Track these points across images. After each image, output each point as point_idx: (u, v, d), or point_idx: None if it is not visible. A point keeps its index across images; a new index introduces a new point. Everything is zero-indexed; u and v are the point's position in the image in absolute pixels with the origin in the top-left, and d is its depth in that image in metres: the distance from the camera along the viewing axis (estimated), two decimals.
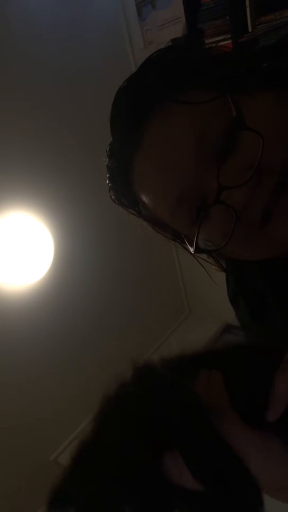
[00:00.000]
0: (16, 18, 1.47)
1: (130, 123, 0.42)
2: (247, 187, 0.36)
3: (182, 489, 0.32)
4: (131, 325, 2.18)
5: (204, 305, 2.47)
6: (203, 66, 0.42)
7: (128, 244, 1.94)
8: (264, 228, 0.39)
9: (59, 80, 1.65)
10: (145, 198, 0.45)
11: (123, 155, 0.44)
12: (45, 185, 1.62)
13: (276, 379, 0.31)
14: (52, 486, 0.35)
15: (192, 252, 0.45)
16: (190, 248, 0.45)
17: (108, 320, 1.98)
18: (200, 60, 0.44)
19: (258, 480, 0.32)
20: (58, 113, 1.65)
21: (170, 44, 0.44)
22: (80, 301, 1.83)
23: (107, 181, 0.49)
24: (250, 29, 1.49)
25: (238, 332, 1.71)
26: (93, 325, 1.94)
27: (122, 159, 0.44)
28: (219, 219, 0.39)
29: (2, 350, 1.57)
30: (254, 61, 0.42)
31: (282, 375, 0.31)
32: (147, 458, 0.32)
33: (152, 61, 0.43)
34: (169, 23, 1.74)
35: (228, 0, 1.50)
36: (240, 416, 0.32)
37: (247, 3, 1.45)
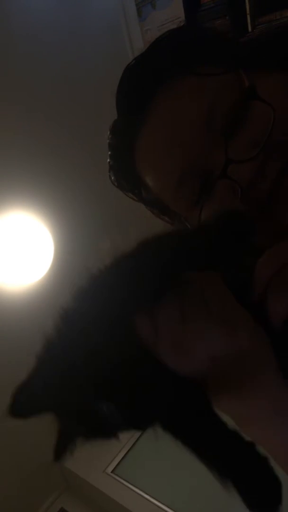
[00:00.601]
0: (16, 18, 1.47)
1: (138, 98, 0.41)
2: (255, 162, 0.35)
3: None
4: None
5: None
6: (215, 44, 0.42)
7: (128, 243, 1.94)
8: (267, 207, 0.38)
9: (59, 80, 1.65)
10: (148, 176, 0.44)
11: (128, 130, 0.43)
12: (45, 185, 1.61)
13: (258, 266, 0.32)
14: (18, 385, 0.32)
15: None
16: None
17: None
18: (212, 37, 0.44)
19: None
20: (58, 113, 1.65)
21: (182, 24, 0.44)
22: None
23: (108, 160, 0.48)
24: (250, 29, 1.49)
25: None
26: None
27: (127, 135, 0.43)
28: (223, 195, 0.38)
29: (2, 350, 1.57)
30: (268, 42, 0.42)
31: (264, 262, 0.32)
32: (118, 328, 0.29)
33: (162, 39, 0.42)
34: (169, 23, 1.74)
35: (228, 0, 1.50)
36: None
37: (247, 3, 1.45)
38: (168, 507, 1.54)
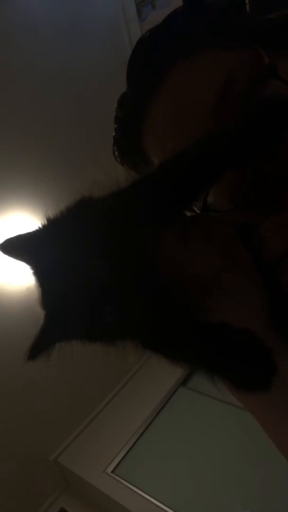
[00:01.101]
0: (16, 19, 1.47)
1: (151, 70, 0.39)
2: None
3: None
4: None
5: None
6: (235, 17, 0.40)
7: None
8: (275, 195, 0.37)
9: (59, 80, 1.65)
10: (154, 153, 0.42)
11: (137, 104, 0.41)
12: (45, 185, 1.61)
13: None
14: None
15: (198, 211, 0.43)
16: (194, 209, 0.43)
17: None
18: (231, 11, 0.41)
19: None
20: (58, 113, 1.65)
21: None
22: None
23: (113, 134, 0.46)
24: None
25: None
26: None
27: (136, 109, 0.41)
28: (231, 180, 0.36)
29: (1, 350, 1.57)
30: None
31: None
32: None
33: (179, 11, 0.40)
34: None
35: (228, 1, 1.50)
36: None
37: (247, 3, 1.45)
38: (168, 507, 1.54)
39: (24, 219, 1.53)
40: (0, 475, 1.66)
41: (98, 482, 1.71)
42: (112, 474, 1.73)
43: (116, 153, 0.47)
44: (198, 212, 0.42)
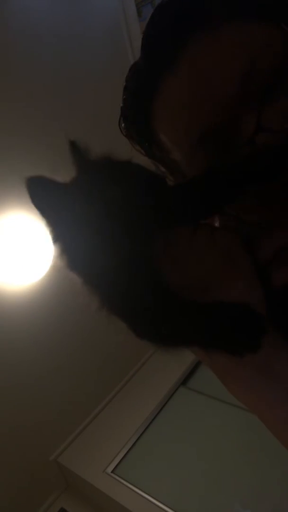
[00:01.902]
0: (16, 19, 1.47)
1: (170, 38, 0.35)
2: (284, 135, 0.32)
3: None
4: None
5: None
6: None
7: None
8: (285, 187, 0.35)
9: (59, 80, 1.65)
10: (164, 129, 0.39)
11: (151, 73, 0.38)
12: None
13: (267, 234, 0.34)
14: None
15: None
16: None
17: (108, 319, 1.98)
18: None
19: None
20: (58, 113, 1.65)
21: None
22: (80, 301, 1.83)
23: (120, 105, 0.43)
24: None
25: None
26: (93, 325, 1.94)
27: (149, 78, 0.38)
28: None
29: (2, 350, 1.57)
30: None
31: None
32: None
33: None
34: None
35: None
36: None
37: None
38: (168, 507, 1.54)
39: (24, 219, 1.53)
40: (0, 475, 1.66)
41: (98, 482, 1.71)
42: (112, 474, 1.73)
43: (123, 125, 0.44)
44: None
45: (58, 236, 0.35)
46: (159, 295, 0.31)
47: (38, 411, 1.76)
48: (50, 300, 1.70)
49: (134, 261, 0.31)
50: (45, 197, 0.35)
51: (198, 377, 2.13)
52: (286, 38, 0.33)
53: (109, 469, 1.75)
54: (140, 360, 2.31)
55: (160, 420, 1.94)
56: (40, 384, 1.75)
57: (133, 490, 1.64)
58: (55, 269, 1.67)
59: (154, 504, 1.57)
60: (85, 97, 1.75)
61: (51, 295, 1.70)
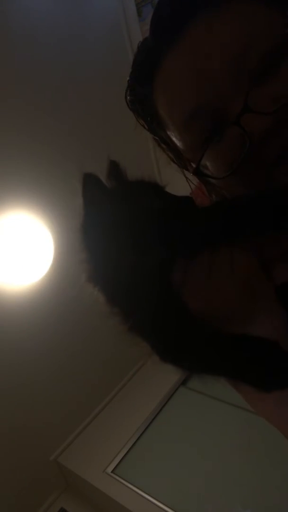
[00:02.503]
0: (16, 19, 1.47)
1: (175, 17, 0.38)
2: (272, 118, 0.33)
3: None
4: None
5: None
6: None
7: None
8: (272, 171, 0.36)
9: (59, 80, 1.65)
10: (162, 103, 0.41)
11: (156, 49, 0.40)
12: (45, 185, 1.61)
13: None
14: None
15: (192, 173, 0.42)
16: (190, 170, 0.43)
17: (108, 320, 1.98)
18: None
19: None
20: (58, 113, 1.65)
21: None
22: (80, 301, 1.83)
23: (127, 79, 0.45)
24: None
25: None
26: (93, 325, 1.93)
27: (154, 53, 0.40)
28: (231, 144, 0.36)
29: (2, 350, 1.57)
30: None
31: None
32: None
33: None
34: None
35: None
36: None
37: None
38: (168, 507, 1.54)
39: (24, 219, 1.53)
40: (0, 475, 1.66)
41: (98, 482, 1.71)
42: (112, 474, 1.73)
43: (128, 98, 0.46)
44: (193, 174, 0.43)
45: (89, 244, 0.35)
46: (182, 323, 0.32)
47: (38, 411, 1.76)
48: (50, 300, 1.70)
49: (157, 287, 0.32)
50: (95, 196, 0.36)
51: (198, 377, 2.12)
52: (285, 23, 0.33)
53: (109, 469, 1.75)
54: (140, 360, 2.31)
55: (160, 420, 1.94)
56: (40, 384, 1.75)
57: (133, 490, 1.64)
58: (55, 269, 1.67)
59: (154, 504, 1.56)
60: (85, 97, 1.75)
61: (51, 295, 1.70)
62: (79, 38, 1.71)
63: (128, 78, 0.45)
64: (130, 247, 0.32)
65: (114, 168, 0.37)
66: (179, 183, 0.48)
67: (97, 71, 1.78)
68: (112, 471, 1.74)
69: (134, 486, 1.65)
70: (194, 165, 0.42)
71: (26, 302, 1.61)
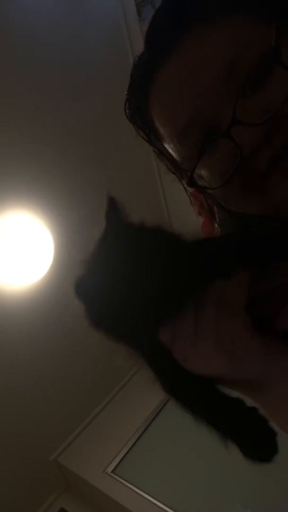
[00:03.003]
0: (16, 19, 1.47)
1: (168, 31, 0.39)
2: (261, 129, 0.34)
3: None
4: None
5: None
6: None
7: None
8: (264, 181, 0.37)
9: (59, 80, 1.65)
10: (157, 117, 0.42)
11: (150, 63, 0.41)
12: (45, 185, 1.62)
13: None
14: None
15: (185, 185, 0.44)
16: (185, 182, 0.44)
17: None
18: None
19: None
20: (58, 113, 1.65)
21: None
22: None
23: (125, 93, 0.46)
24: None
25: None
26: None
27: (148, 68, 0.41)
28: (223, 155, 0.37)
29: (1, 350, 1.57)
30: None
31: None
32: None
33: None
34: None
35: None
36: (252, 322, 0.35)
37: None
38: (168, 507, 1.54)
39: (24, 219, 1.53)
40: (0, 475, 1.66)
41: (98, 482, 1.71)
42: (112, 474, 1.73)
43: (127, 111, 0.47)
44: (187, 185, 0.44)
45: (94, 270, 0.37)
46: (176, 370, 0.34)
47: (38, 411, 1.76)
48: (50, 300, 1.70)
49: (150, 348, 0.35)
50: (114, 224, 0.38)
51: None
52: (275, 35, 0.34)
53: (109, 469, 1.75)
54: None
55: (160, 420, 1.94)
56: (40, 384, 1.75)
57: (133, 490, 1.64)
58: (55, 269, 1.67)
59: (154, 504, 1.57)
60: (85, 96, 1.75)
61: (51, 295, 1.70)
62: (79, 38, 1.71)
63: (126, 92, 0.46)
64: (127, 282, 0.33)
65: (114, 207, 0.39)
66: (180, 187, 0.49)
67: (97, 71, 1.78)
68: (112, 471, 1.74)
69: (134, 486, 1.65)
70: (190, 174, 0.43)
71: (26, 302, 1.61)
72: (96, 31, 1.78)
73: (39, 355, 1.71)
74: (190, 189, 0.47)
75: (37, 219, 1.57)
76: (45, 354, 1.73)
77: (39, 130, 1.58)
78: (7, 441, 1.67)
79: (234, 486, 1.55)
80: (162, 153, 0.48)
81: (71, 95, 1.69)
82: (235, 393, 0.36)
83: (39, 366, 1.72)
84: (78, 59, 1.71)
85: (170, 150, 0.44)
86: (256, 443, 0.32)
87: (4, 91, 1.45)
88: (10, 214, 1.49)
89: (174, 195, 2.10)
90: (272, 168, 0.35)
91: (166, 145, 0.44)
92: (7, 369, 1.61)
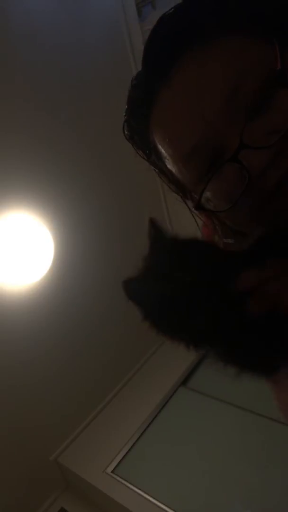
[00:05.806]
0: (16, 19, 1.47)
1: (167, 53, 0.38)
2: (269, 152, 0.34)
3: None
4: (132, 326, 2.18)
5: None
6: (261, 10, 0.37)
7: (128, 242, 1.94)
8: (272, 202, 0.37)
9: (59, 80, 1.65)
10: (159, 141, 0.42)
11: (149, 86, 0.40)
12: (45, 185, 1.62)
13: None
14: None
15: (193, 208, 0.43)
16: (191, 205, 0.44)
17: (108, 320, 1.98)
18: (258, 3, 0.38)
19: None
20: (58, 113, 1.65)
21: None
22: (80, 301, 1.83)
23: (123, 113, 0.46)
24: None
25: None
26: (93, 325, 1.94)
27: (148, 91, 0.41)
28: (230, 179, 0.37)
29: (1, 350, 1.57)
30: None
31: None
32: None
33: None
34: None
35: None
36: None
37: None
38: (168, 507, 1.54)
39: (24, 219, 1.53)
40: (0, 475, 1.66)
41: (98, 482, 1.71)
42: (112, 474, 1.73)
43: (126, 132, 0.47)
44: (193, 208, 0.44)
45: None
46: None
47: (38, 411, 1.76)
48: (50, 300, 1.70)
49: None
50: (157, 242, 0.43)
51: (198, 377, 2.13)
52: (277, 54, 0.33)
53: (109, 469, 1.75)
54: (140, 360, 2.31)
55: (160, 420, 1.94)
56: (40, 384, 1.75)
57: (133, 490, 1.64)
58: (55, 269, 1.67)
59: (154, 504, 1.57)
60: (85, 96, 1.75)
61: (51, 295, 1.70)
62: (79, 38, 1.71)
63: (124, 113, 0.46)
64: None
65: (155, 227, 0.43)
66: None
67: (97, 71, 1.78)
68: (112, 471, 1.74)
69: (134, 486, 1.65)
70: (196, 196, 0.42)
71: (26, 302, 1.62)
72: (96, 31, 1.78)
73: (39, 355, 1.71)
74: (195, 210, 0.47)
75: (37, 219, 1.57)
76: (45, 354, 1.73)
77: (39, 130, 1.58)
78: (8, 441, 1.67)
79: (234, 486, 1.55)
80: (163, 173, 0.47)
81: (71, 95, 1.69)
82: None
83: (39, 366, 1.72)
84: (78, 59, 1.71)
85: (174, 172, 0.44)
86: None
87: (4, 91, 1.45)
88: (10, 214, 1.49)
89: (174, 195, 2.10)
90: (279, 189, 0.35)
91: (169, 167, 0.44)
92: (7, 369, 1.61)
